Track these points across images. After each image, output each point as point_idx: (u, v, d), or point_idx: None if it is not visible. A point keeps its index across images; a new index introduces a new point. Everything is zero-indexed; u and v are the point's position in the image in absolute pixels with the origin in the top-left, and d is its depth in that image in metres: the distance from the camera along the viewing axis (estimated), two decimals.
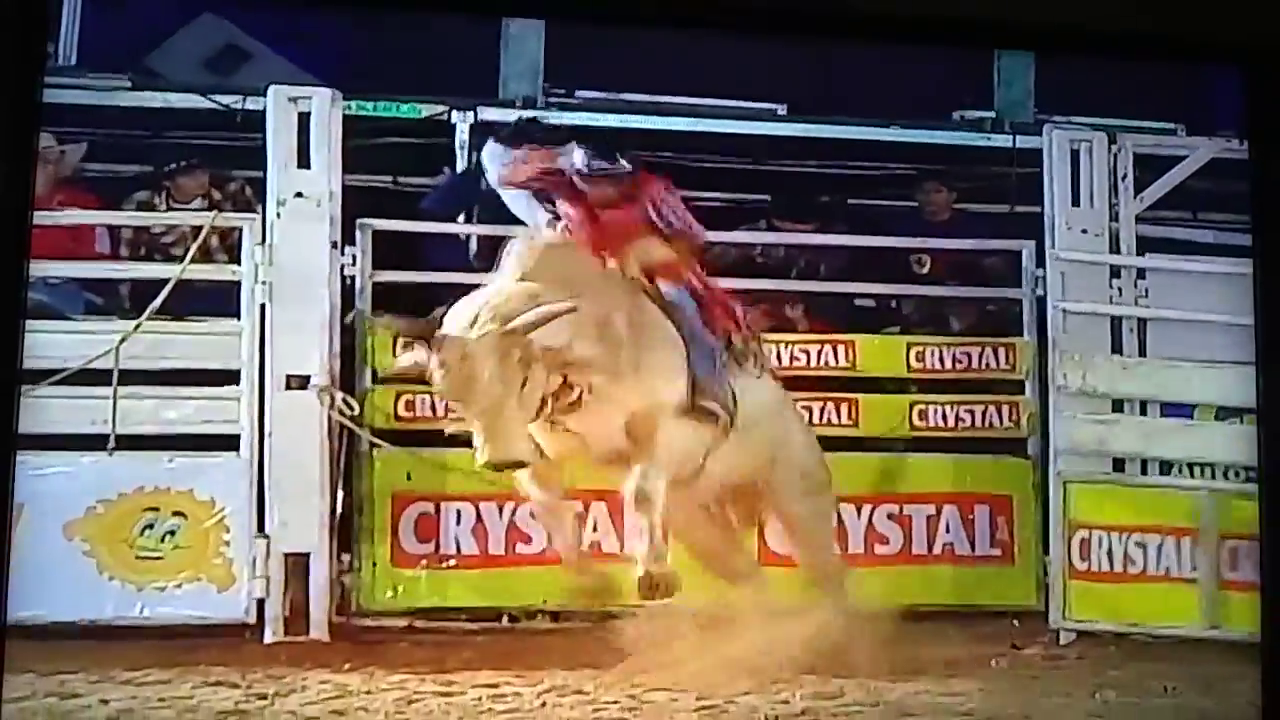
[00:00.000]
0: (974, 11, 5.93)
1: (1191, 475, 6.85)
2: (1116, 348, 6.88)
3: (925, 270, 6.91)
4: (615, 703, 6.14)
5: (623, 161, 6.16)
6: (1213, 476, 6.77)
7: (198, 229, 6.48)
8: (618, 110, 6.96)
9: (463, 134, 6.83)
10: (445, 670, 6.23)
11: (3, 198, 5.61)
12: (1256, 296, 6.21)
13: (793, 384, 6.62)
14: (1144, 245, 6.96)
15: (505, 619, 6.56)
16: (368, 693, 6.02)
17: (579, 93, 6.96)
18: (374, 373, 6.52)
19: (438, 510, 6.49)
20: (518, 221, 6.46)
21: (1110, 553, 6.69)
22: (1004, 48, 6.95)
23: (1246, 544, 6.46)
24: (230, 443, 6.43)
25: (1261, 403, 6.23)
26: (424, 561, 6.49)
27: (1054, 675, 6.56)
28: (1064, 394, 6.80)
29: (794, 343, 6.78)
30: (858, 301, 6.95)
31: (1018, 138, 7.06)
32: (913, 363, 6.84)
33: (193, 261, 6.44)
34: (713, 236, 6.52)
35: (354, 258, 6.53)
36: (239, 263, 6.48)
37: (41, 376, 6.25)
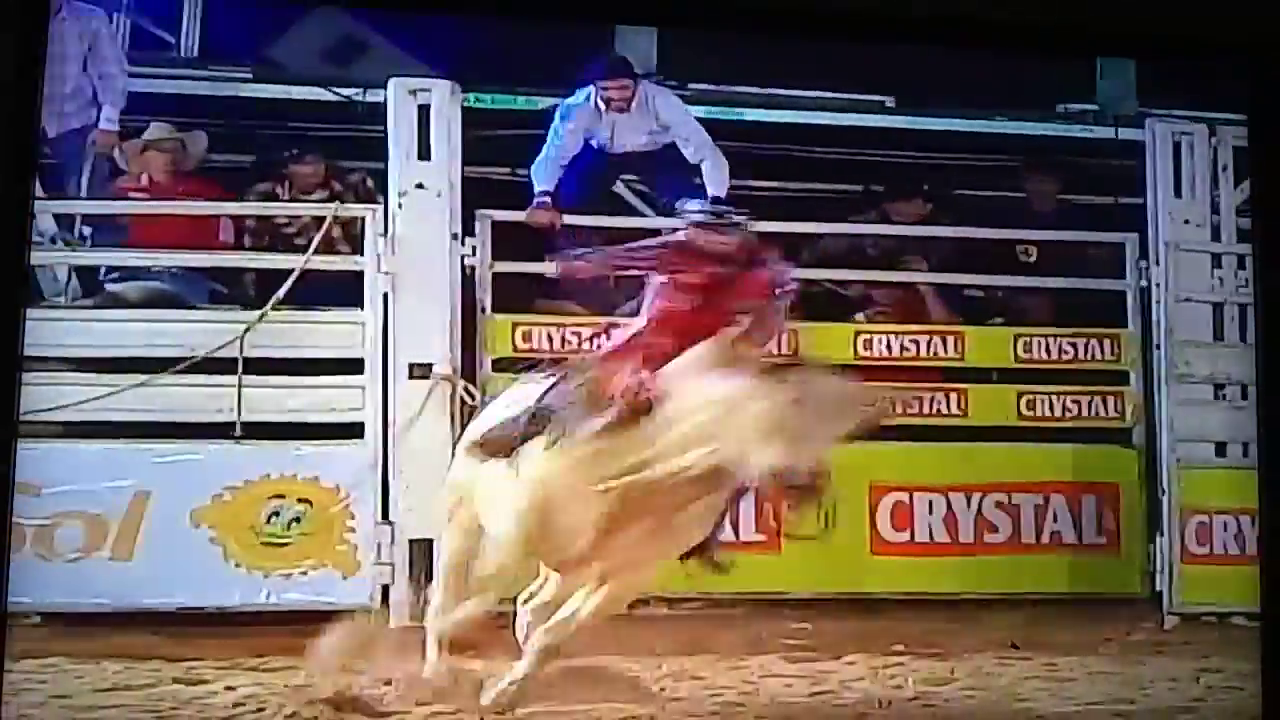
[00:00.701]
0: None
1: None
2: (1219, 335, 6.94)
3: (1032, 260, 6.97)
4: (731, 688, 6.22)
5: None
6: None
7: (320, 219, 6.54)
8: (729, 103, 7.01)
9: None
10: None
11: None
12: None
13: (902, 374, 6.70)
14: (1242, 235, 7.01)
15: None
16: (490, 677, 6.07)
17: (690, 85, 6.99)
18: (493, 361, 6.58)
19: None
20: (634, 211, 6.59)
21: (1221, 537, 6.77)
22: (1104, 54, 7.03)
23: None
24: (354, 431, 6.51)
25: (1261, 381, 6.47)
26: None
27: (1160, 661, 6.63)
28: (1175, 381, 6.86)
29: (903, 333, 6.82)
30: (966, 292, 6.97)
31: (1120, 130, 7.10)
32: (1020, 353, 6.89)
33: (315, 252, 6.50)
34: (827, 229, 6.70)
35: (474, 249, 6.59)
36: (361, 253, 6.53)
37: (168, 365, 6.31)
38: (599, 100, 6.73)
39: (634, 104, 6.75)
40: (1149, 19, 6.25)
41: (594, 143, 6.79)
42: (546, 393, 5.76)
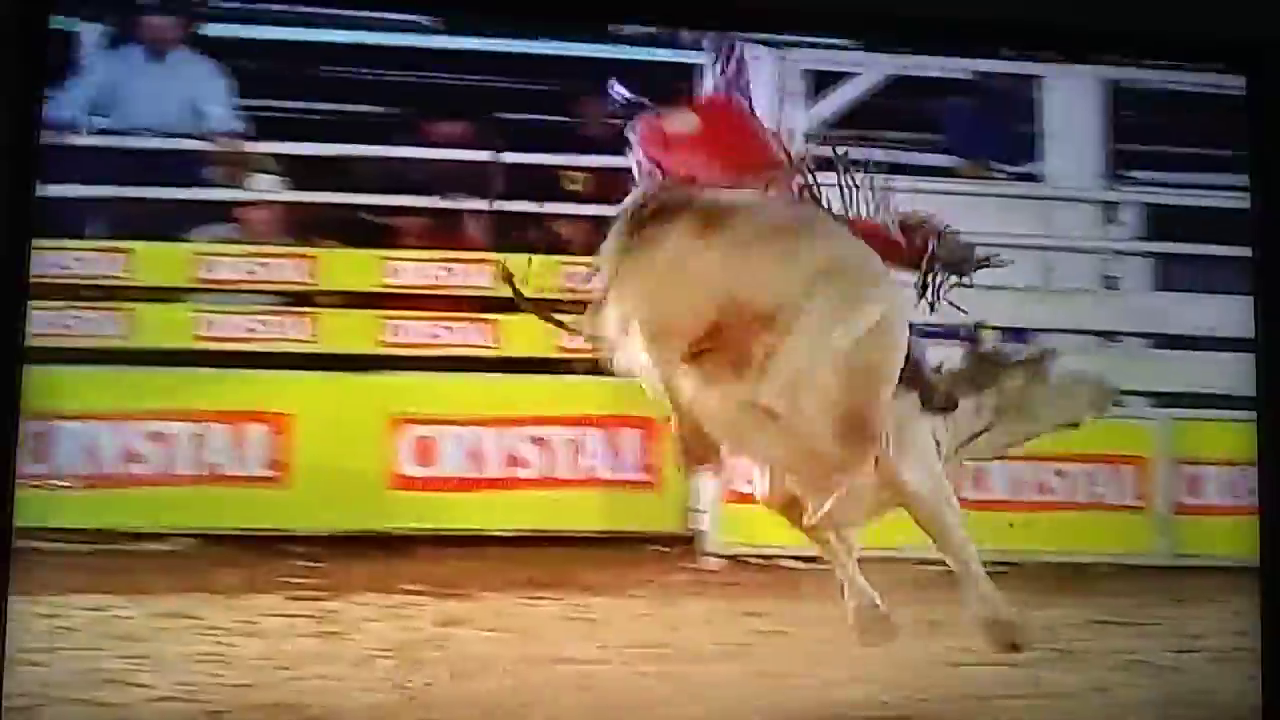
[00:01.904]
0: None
1: None
2: None
3: (580, 188, 6.69)
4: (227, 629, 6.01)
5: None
6: None
7: None
8: (265, 21, 6.67)
9: None
10: None
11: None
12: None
13: (432, 303, 6.40)
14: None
15: None
16: None
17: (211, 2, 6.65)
18: None
19: None
20: None
21: None
22: None
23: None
24: None
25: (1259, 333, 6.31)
26: None
27: (703, 601, 6.42)
28: None
29: (435, 261, 6.54)
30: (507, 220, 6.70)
31: (680, 52, 6.82)
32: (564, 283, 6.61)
33: None
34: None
35: None
36: None
37: None
38: None
39: None
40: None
41: None
42: None
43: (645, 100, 5.98)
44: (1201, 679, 6.20)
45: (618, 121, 6.62)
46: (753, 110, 6.10)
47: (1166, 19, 6.12)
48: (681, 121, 5.98)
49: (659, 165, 5.95)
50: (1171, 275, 6.73)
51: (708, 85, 6.20)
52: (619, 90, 6.03)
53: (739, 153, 5.92)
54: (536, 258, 6.32)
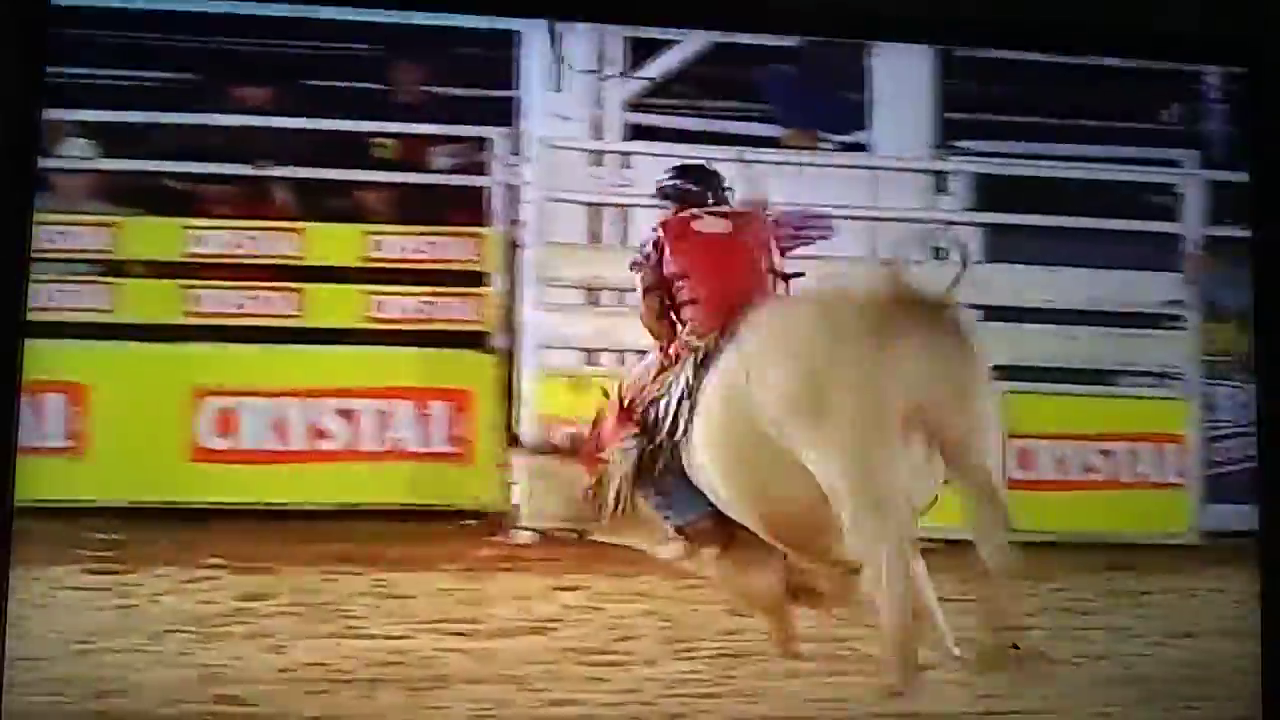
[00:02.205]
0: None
1: None
2: (596, 237, 6.64)
3: (389, 155, 6.57)
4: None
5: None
6: None
7: None
8: None
9: None
10: None
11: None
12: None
13: (236, 272, 6.27)
14: (630, 133, 6.71)
15: None
16: None
17: None
18: None
19: None
20: None
21: None
22: None
23: None
24: None
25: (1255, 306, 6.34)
26: None
27: (513, 577, 6.30)
28: (540, 285, 6.51)
29: (239, 229, 6.39)
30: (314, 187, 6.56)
31: (495, 19, 6.72)
32: (370, 252, 6.50)
33: None
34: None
35: None
36: None
37: None
38: None
39: None
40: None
41: None
42: None
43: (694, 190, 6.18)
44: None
45: (431, 90, 6.58)
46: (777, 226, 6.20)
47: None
48: (712, 225, 6.10)
49: (670, 255, 6.10)
50: (1001, 246, 6.69)
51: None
52: (676, 184, 6.19)
53: (742, 262, 6.10)
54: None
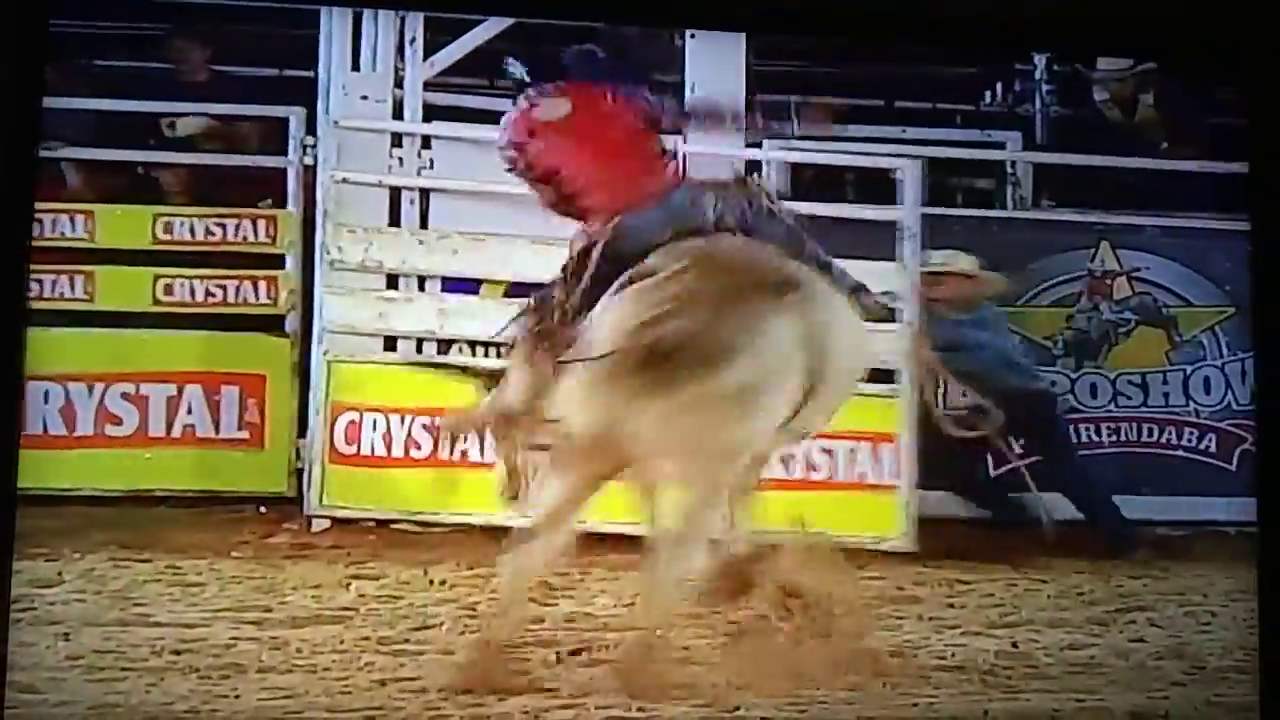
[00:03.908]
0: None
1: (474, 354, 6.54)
2: (395, 220, 6.53)
3: (178, 134, 6.45)
4: None
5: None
6: None
7: None
8: None
9: None
10: None
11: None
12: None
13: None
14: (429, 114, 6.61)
15: None
16: None
17: None
18: None
19: None
20: None
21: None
22: None
23: None
24: None
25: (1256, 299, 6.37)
26: None
27: (306, 564, 6.22)
28: (336, 269, 6.43)
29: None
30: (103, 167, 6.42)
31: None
32: (159, 234, 6.37)
33: None
34: None
35: None
36: None
37: None
38: None
39: None
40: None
41: None
42: None
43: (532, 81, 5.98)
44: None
45: (224, 69, 6.47)
46: (641, 99, 6.06)
47: None
48: (551, 108, 5.93)
49: (521, 152, 5.92)
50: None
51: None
52: (514, 67, 6.01)
53: (609, 144, 5.94)
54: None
